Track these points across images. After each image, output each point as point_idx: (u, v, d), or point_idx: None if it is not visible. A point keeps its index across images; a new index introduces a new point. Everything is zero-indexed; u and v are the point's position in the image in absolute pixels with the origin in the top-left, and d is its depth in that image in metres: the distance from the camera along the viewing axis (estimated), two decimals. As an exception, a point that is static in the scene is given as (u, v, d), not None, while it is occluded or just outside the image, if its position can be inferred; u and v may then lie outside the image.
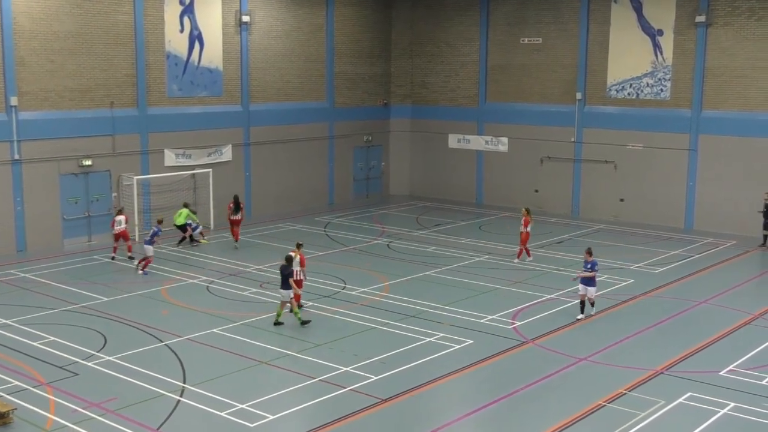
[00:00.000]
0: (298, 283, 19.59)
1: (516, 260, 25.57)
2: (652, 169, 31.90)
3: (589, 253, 20.17)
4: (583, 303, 19.86)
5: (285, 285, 18.98)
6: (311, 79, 34.90)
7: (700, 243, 28.68)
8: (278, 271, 19.58)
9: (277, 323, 19.11)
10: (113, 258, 25.47)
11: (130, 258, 25.29)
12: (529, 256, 25.66)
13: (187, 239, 27.67)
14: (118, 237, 25.45)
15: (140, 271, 23.80)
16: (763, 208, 27.82)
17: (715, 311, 20.74)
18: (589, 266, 19.83)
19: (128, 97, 28.76)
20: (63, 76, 26.99)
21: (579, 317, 19.73)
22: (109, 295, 21.59)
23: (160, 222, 24.94)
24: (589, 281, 19.80)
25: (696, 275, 24.35)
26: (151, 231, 24.42)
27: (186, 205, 28.01)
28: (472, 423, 14.21)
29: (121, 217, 25.46)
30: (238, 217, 27.64)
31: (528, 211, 25.91)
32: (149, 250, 23.99)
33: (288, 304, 19.17)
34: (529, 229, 25.50)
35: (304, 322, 19.08)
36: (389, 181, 39.06)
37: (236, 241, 27.57)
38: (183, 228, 27.50)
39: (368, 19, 37.01)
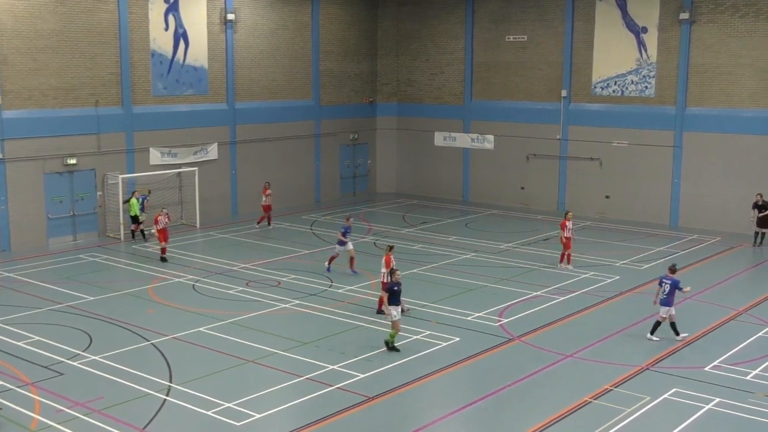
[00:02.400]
0: (383, 285, 18.53)
1: (561, 266, 24.40)
2: (638, 166, 32.02)
3: (673, 270, 18.16)
4: (659, 324, 18.07)
5: (394, 301, 17.33)
6: (297, 77, 34.81)
7: (685, 239, 28.82)
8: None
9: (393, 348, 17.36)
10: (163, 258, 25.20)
11: (163, 260, 25.00)
12: (568, 263, 24.38)
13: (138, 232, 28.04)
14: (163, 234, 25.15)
15: (326, 263, 23.96)
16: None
17: (700, 307, 20.83)
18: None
19: (113, 96, 28.59)
20: (47, 75, 26.80)
21: (653, 338, 18.01)
22: (95, 294, 21.47)
23: (348, 219, 24.57)
24: (669, 300, 17.83)
25: (681, 271, 24.33)
26: (343, 230, 23.73)
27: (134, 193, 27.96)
28: (458, 420, 14.21)
29: (162, 217, 25.25)
30: (265, 202, 29.85)
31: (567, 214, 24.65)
32: (347, 245, 23.45)
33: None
34: (568, 233, 24.13)
35: (391, 348, 17.26)
36: (376, 178, 39.03)
37: (260, 223, 30.06)
38: (136, 219, 27.75)
39: (354, 17, 36.96)
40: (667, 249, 27.30)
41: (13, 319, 19.34)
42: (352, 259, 23.66)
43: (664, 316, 18.01)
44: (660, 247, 27.62)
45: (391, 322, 17.31)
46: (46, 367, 16.20)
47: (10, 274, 23.50)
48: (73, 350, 17.18)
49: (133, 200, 27.62)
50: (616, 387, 15.39)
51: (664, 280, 18.06)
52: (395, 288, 17.35)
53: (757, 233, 27.80)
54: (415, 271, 24.00)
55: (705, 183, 30.64)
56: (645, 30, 31.48)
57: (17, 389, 15.08)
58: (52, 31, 26.74)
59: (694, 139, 30.77)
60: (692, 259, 25.92)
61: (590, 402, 14.71)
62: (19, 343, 17.60)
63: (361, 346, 17.60)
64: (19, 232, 26.50)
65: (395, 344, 17.29)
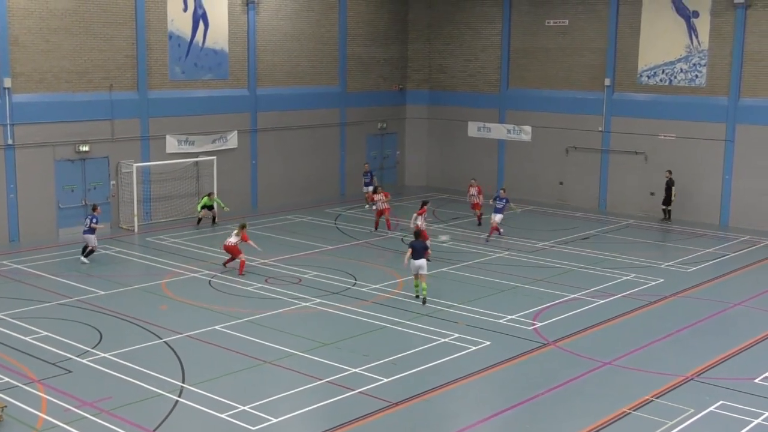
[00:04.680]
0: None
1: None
2: (686, 161, 31.67)
3: None
4: None
5: (418, 256, 20.48)
6: (322, 62, 34.86)
7: (736, 240, 28.48)
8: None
9: (419, 296, 20.86)
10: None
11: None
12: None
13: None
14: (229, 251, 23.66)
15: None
16: None
17: (750, 314, 20.59)
18: None
19: (128, 80, 28.83)
20: (59, 57, 27.08)
21: None
22: (106, 289, 21.70)
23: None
24: None
25: (731, 275, 24.18)
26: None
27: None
28: (487, 429, 14.18)
29: (238, 235, 23.63)
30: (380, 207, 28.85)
31: None
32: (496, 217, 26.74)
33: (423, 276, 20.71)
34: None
35: (424, 300, 20.70)
36: (405, 171, 39.01)
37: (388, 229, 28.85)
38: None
39: (384, -1, 36.94)
40: (716, 250, 27.00)
41: (20, 313, 19.60)
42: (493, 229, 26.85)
43: None
44: (709, 248, 27.32)
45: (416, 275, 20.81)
46: (53, 364, 16.40)
47: (19, 266, 23.82)
48: (83, 347, 17.38)
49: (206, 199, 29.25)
50: (657, 398, 15.24)
51: None
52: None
53: None
54: (444, 269, 23.96)
55: (759, 180, 30.21)
56: (696, 14, 31.10)
57: (23, 386, 15.28)
58: (66, 11, 27.01)
59: (748, 133, 30.36)
60: (743, 261, 25.61)
61: (629, 413, 14.59)
62: (27, 338, 17.84)
63: (386, 348, 17.61)
64: (29, 222, 26.85)
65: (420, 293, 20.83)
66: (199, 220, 29.34)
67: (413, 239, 21.05)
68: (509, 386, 15.94)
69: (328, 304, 20.69)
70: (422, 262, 20.59)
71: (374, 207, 29.60)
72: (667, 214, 31.35)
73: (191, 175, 30.83)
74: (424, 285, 20.68)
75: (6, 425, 13.71)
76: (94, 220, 24.34)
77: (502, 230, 28.09)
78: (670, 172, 31.04)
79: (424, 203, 26.79)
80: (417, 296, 20.89)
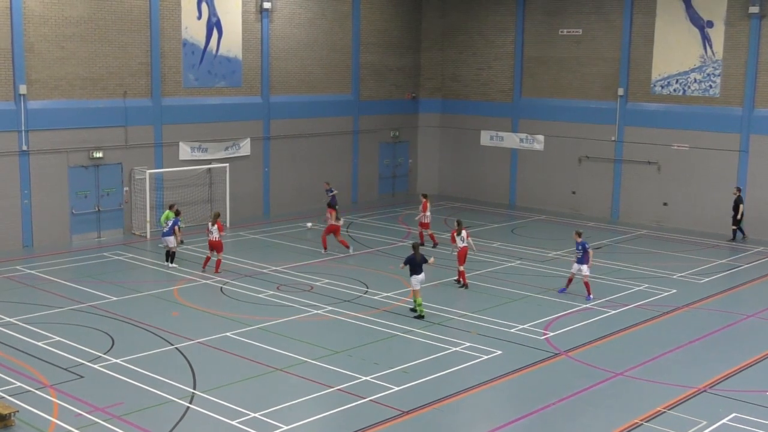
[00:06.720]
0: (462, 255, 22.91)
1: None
2: (699, 172, 31.57)
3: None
4: None
5: (417, 271, 20.08)
6: (335, 70, 34.96)
7: (749, 252, 28.34)
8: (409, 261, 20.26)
9: (421, 315, 20.22)
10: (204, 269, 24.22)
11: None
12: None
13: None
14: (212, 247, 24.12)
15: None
16: None
17: (764, 326, 20.48)
18: None
19: (142, 87, 29.00)
20: (74, 64, 27.27)
21: None
22: (118, 295, 21.79)
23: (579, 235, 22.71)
24: None
25: (744, 286, 24.07)
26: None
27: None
28: (498, 439, 14.15)
29: (214, 227, 23.83)
30: (336, 222, 26.65)
31: None
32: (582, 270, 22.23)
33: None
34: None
35: (419, 317, 20.21)
36: (417, 179, 39.03)
37: (347, 247, 26.89)
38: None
39: (397, 7, 37.02)
40: (729, 261, 26.88)
41: (33, 318, 19.70)
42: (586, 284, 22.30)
43: None
44: (722, 259, 27.20)
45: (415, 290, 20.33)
46: (65, 369, 16.48)
47: (32, 271, 23.95)
48: (95, 352, 17.45)
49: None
50: (669, 409, 15.18)
51: None
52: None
53: None
54: (455, 278, 23.92)
55: (773, 191, 30.11)
56: (711, 24, 31.05)
57: (36, 391, 15.36)
58: (81, 19, 27.21)
59: (762, 143, 30.25)
60: (757, 273, 25.49)
61: (641, 425, 14.53)
62: (39, 344, 17.93)
63: (397, 356, 17.61)
64: (42, 228, 27.00)
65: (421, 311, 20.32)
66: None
67: (413, 253, 20.20)
68: (520, 396, 15.91)
69: (340, 311, 20.71)
70: (424, 276, 20.36)
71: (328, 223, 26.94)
72: (738, 233, 29.73)
73: (204, 182, 30.94)
74: (420, 299, 20.27)
75: (18, 430, 13.78)
76: (177, 222, 24.88)
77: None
78: (738, 189, 29.62)
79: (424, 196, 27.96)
80: (420, 315, 20.21)
